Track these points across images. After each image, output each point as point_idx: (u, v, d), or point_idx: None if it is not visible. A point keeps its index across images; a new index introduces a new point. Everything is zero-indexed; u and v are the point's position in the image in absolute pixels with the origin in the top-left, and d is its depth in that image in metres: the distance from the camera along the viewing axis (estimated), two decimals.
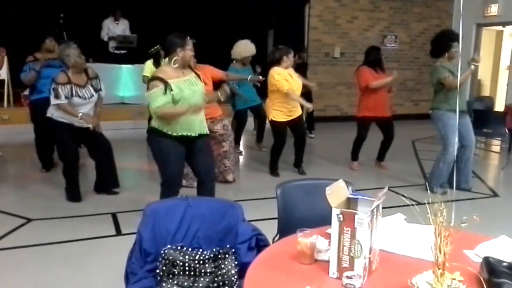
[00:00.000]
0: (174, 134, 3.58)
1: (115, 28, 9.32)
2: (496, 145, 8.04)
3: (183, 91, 3.49)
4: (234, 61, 6.61)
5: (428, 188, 5.16)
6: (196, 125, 3.65)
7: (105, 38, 9.32)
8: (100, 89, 4.55)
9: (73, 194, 4.66)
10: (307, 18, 9.90)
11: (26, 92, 8.15)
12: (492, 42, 11.11)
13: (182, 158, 3.72)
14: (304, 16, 9.93)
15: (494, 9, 9.66)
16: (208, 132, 3.83)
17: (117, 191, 4.92)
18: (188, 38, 3.60)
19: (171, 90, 3.44)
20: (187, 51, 3.54)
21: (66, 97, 4.32)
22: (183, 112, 3.51)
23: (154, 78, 3.53)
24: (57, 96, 4.30)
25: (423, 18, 10.67)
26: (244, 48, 6.52)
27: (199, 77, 3.71)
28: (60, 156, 4.76)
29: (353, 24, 10.14)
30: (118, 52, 9.16)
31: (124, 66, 8.82)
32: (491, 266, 1.61)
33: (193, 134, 3.65)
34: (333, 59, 10.08)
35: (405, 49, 10.61)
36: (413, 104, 10.73)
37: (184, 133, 3.60)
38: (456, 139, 4.99)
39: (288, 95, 5.36)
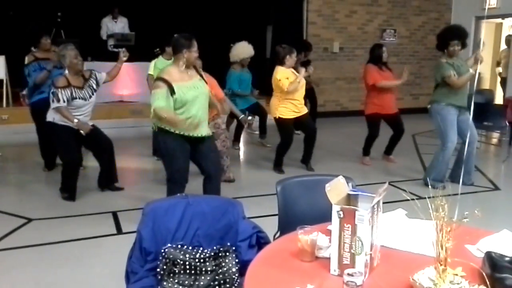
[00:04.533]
0: (177, 132, 3.62)
1: (113, 26, 9.29)
2: (496, 138, 8.02)
3: (186, 94, 3.54)
4: (233, 64, 6.61)
5: (424, 181, 5.17)
6: (199, 126, 3.68)
7: (104, 37, 9.30)
8: (99, 83, 4.61)
9: (70, 194, 4.64)
10: (306, 13, 9.85)
11: (25, 92, 8.16)
12: (492, 35, 11.07)
13: (188, 155, 3.76)
14: (303, 11, 9.89)
15: (493, 2, 9.62)
16: (211, 134, 3.87)
17: (119, 186, 4.95)
18: (194, 39, 3.62)
19: (174, 93, 3.49)
20: (192, 53, 3.59)
21: (67, 101, 4.35)
22: (177, 121, 3.53)
23: (158, 78, 3.58)
24: (57, 100, 4.32)
25: (422, 12, 10.62)
26: (242, 50, 6.55)
27: (204, 80, 3.75)
28: (62, 158, 4.74)
29: (352, 18, 10.10)
30: (116, 50, 9.12)
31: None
32: (493, 261, 1.60)
33: (196, 135, 3.69)
34: (332, 54, 10.05)
35: (404, 43, 10.57)
36: (413, 98, 10.69)
37: (187, 133, 3.65)
38: (456, 135, 4.97)
39: (292, 92, 5.38)
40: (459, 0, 10.58)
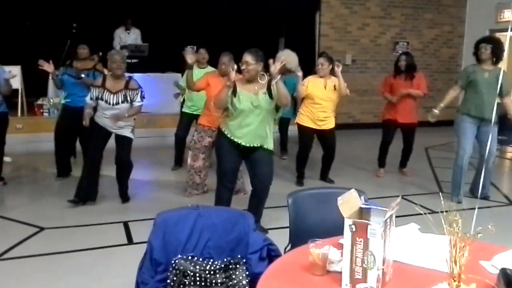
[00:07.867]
0: (228, 134, 3.91)
1: (126, 37, 9.39)
2: (511, 152, 7.92)
3: (241, 103, 3.79)
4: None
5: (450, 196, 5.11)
6: (248, 136, 3.87)
7: (117, 48, 9.38)
8: (133, 100, 4.67)
9: (89, 192, 4.76)
10: (318, 25, 9.88)
11: (40, 101, 8.28)
12: (506, 48, 10.97)
13: (235, 160, 4.04)
14: (315, 23, 9.92)
15: (507, 14, 9.56)
16: (267, 148, 3.97)
17: (129, 196, 4.99)
18: (244, 54, 3.87)
19: (235, 95, 3.80)
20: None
21: (96, 98, 4.65)
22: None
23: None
24: (89, 96, 4.71)
25: (435, 25, 10.59)
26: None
27: (270, 94, 3.81)
28: (86, 151, 5.01)
29: (364, 31, 10.10)
30: (129, 61, 9.20)
31: (136, 74, 8.87)
32: (508, 278, 1.57)
33: (243, 143, 3.87)
34: (344, 66, 10.01)
35: (417, 55, 10.47)
36: (425, 111, 10.50)
37: (233, 138, 3.90)
38: (469, 144, 4.93)
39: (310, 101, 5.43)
40: (473, 13, 10.54)
